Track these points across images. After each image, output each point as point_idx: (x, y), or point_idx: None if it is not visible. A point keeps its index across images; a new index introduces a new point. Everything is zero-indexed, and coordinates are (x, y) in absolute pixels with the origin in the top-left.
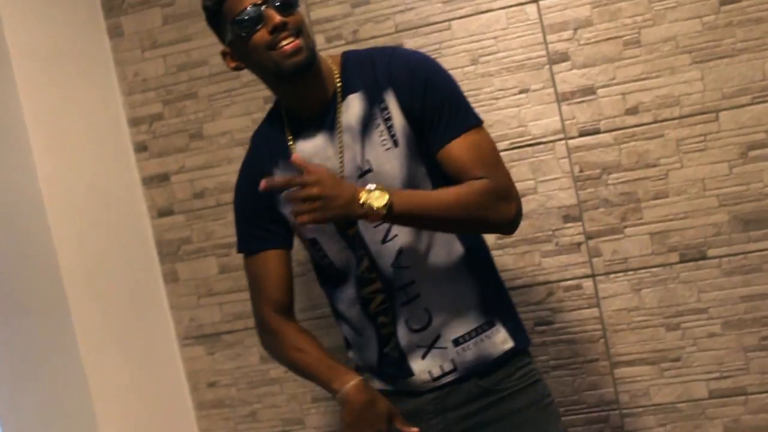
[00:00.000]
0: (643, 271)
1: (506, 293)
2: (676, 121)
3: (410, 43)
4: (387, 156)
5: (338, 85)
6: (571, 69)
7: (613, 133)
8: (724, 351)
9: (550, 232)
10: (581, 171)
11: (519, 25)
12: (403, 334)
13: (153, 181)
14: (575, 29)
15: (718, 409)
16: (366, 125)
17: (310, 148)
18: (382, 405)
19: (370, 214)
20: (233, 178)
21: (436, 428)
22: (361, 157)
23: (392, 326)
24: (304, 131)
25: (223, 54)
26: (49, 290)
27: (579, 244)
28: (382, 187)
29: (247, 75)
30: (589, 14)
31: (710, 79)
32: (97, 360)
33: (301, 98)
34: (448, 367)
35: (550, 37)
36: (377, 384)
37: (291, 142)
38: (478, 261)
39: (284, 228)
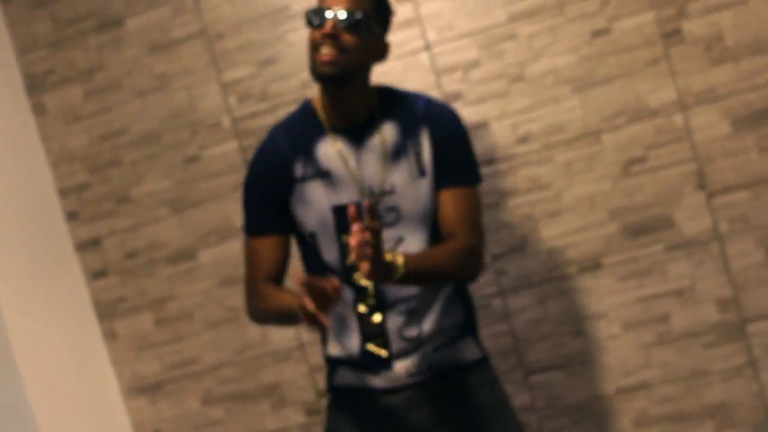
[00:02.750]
0: (546, 284)
1: (476, 315)
2: (563, 146)
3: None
4: (413, 183)
5: (378, 111)
6: (465, 107)
7: (508, 161)
8: (626, 350)
9: None
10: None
11: (414, 71)
12: (393, 336)
13: (86, 246)
14: (466, 70)
15: (625, 404)
16: (397, 153)
17: (333, 152)
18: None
19: (395, 270)
20: (162, 236)
21: (414, 422)
22: (382, 179)
23: (380, 329)
24: (332, 134)
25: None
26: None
27: (485, 264)
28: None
29: (167, 138)
30: (477, 56)
31: (589, 104)
32: (50, 420)
33: (339, 107)
34: (424, 366)
35: (443, 80)
36: (352, 380)
37: (326, 135)
38: (466, 291)
39: (288, 217)
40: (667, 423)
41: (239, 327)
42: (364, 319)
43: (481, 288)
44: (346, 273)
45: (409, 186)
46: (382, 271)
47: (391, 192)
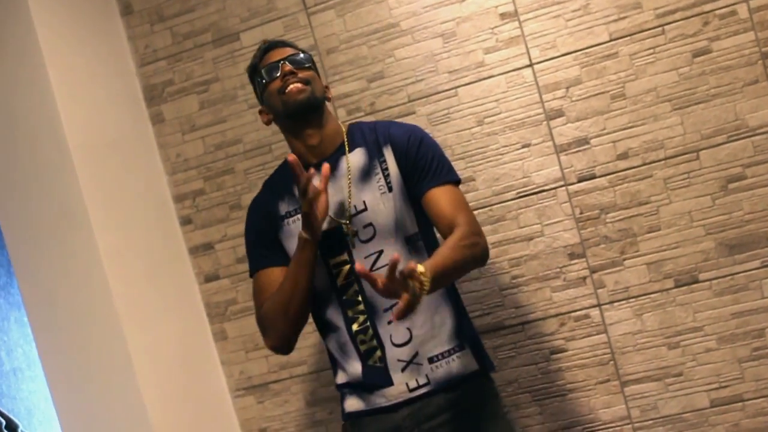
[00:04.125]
0: (644, 297)
1: (472, 323)
2: (662, 162)
3: (422, 110)
4: (382, 198)
5: (345, 140)
6: (566, 123)
7: (608, 177)
8: (721, 363)
9: (558, 269)
10: (581, 213)
11: (517, 88)
12: (388, 348)
13: (199, 250)
14: (567, 88)
15: (720, 416)
16: (366, 174)
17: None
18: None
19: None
20: None
21: None
22: (356, 199)
23: (375, 341)
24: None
25: (260, 111)
26: (115, 359)
27: (584, 278)
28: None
29: (278, 149)
30: (579, 74)
31: (689, 123)
32: (162, 417)
33: (309, 145)
34: (422, 381)
35: (545, 96)
36: (359, 404)
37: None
38: (454, 293)
39: (285, 252)
40: None
41: None
42: (357, 338)
43: (579, 299)
44: (338, 296)
45: (379, 202)
46: (416, 299)
47: (364, 209)
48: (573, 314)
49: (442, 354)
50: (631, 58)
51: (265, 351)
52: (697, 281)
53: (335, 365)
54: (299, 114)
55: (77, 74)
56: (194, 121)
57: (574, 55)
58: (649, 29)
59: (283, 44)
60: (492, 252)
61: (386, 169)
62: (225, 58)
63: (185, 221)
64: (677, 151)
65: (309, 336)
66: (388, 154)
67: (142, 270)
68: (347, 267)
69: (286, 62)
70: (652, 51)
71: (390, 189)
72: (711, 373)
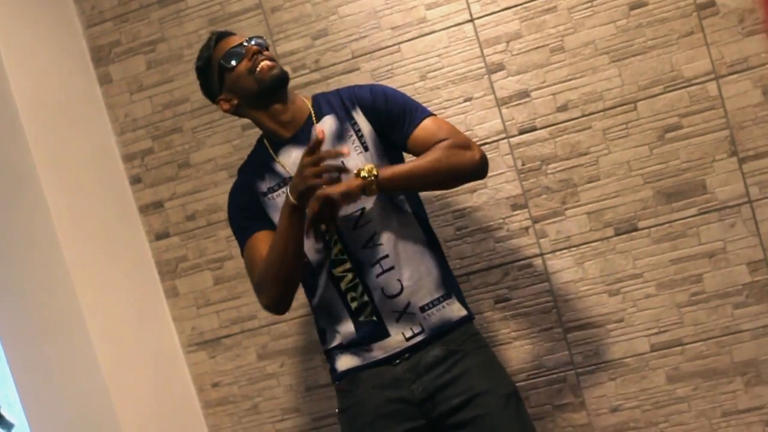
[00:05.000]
0: (584, 246)
1: (453, 274)
2: (601, 114)
3: (366, 66)
4: (359, 159)
5: (312, 111)
6: (506, 77)
7: (548, 128)
8: (660, 309)
9: (501, 220)
10: (523, 164)
11: (459, 43)
12: (379, 300)
13: (149, 209)
14: (507, 42)
15: (660, 360)
16: (340, 137)
17: (291, 161)
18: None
19: (367, 180)
20: (220, 199)
21: (417, 391)
22: (333, 162)
23: (366, 296)
24: (283, 148)
25: (219, 101)
26: (67, 316)
27: (527, 228)
28: (371, 166)
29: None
30: (519, 28)
31: (627, 74)
32: (116, 372)
33: (281, 121)
34: (417, 329)
35: (486, 51)
36: (354, 361)
37: (278, 150)
38: (436, 244)
39: (271, 221)
40: (699, 379)
41: None
42: (348, 295)
43: (522, 249)
44: (327, 265)
45: (357, 162)
46: (356, 186)
47: (344, 171)
48: (517, 264)
49: (431, 302)
50: (569, 12)
51: (217, 306)
52: (636, 229)
53: (324, 334)
54: (275, 89)
55: (23, 37)
56: (141, 81)
57: (514, 9)
58: None
59: (232, 33)
60: (435, 205)
61: (359, 130)
62: (171, 18)
63: (135, 180)
64: (615, 103)
65: None
66: (358, 116)
67: (93, 230)
68: (333, 228)
69: (251, 43)
70: (589, 4)
71: (366, 149)
72: (651, 319)
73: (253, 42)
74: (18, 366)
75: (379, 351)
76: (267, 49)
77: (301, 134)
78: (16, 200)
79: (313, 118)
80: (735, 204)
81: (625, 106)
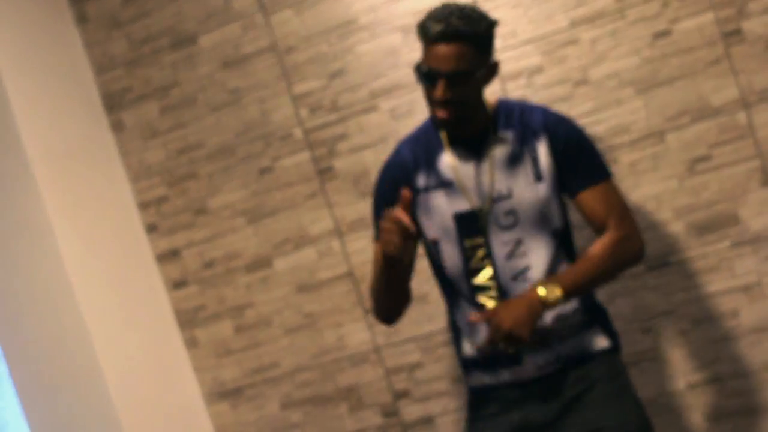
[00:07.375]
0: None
1: (598, 299)
2: (628, 147)
3: (384, 105)
4: (530, 187)
5: (494, 121)
6: None
7: None
8: (696, 346)
9: None
10: None
11: None
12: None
13: (165, 257)
14: (529, 76)
15: (696, 400)
16: (514, 159)
17: (454, 163)
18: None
19: (556, 304)
20: (238, 246)
21: (539, 413)
22: (500, 184)
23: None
24: (454, 147)
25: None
26: (84, 368)
27: None
28: (544, 281)
29: (241, 150)
30: (540, 62)
31: (653, 105)
32: (135, 427)
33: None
34: (551, 359)
35: (508, 85)
36: (485, 379)
37: (447, 149)
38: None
39: (415, 223)
40: (739, 417)
41: (316, 332)
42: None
43: None
44: (468, 277)
45: (525, 190)
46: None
47: (508, 196)
48: None
49: (570, 331)
50: (592, 43)
51: (237, 355)
52: (667, 264)
53: (458, 336)
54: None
55: (34, 85)
56: (155, 126)
57: (535, 43)
58: (609, 13)
59: (456, 37)
60: None
61: (536, 158)
62: (183, 62)
63: (150, 228)
64: (642, 135)
65: (279, 338)
66: (542, 145)
67: (109, 280)
68: (482, 251)
69: (442, 86)
70: (612, 35)
71: (539, 178)
72: (686, 356)
73: (446, 77)
74: (35, 423)
75: (509, 375)
76: (462, 84)
77: (474, 142)
78: (30, 252)
79: (494, 128)
80: None
81: (652, 139)
